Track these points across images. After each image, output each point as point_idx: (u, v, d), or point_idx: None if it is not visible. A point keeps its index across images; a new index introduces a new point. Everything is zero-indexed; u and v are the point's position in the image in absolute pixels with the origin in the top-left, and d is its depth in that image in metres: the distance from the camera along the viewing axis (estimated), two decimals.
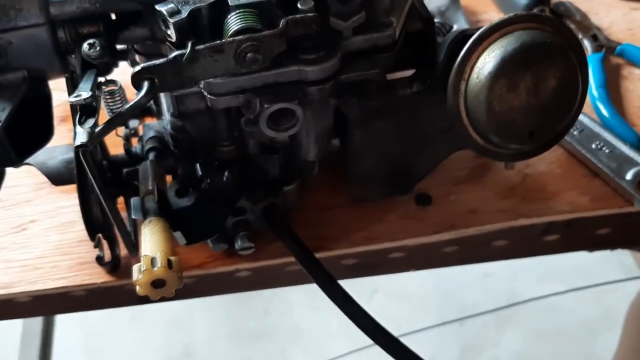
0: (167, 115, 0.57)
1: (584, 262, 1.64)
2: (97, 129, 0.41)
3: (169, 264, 0.43)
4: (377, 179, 0.57)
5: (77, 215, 0.64)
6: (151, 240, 0.45)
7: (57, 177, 0.59)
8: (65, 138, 0.63)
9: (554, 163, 0.62)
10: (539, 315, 1.60)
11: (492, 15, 0.79)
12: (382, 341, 0.51)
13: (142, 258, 0.43)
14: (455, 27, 0.75)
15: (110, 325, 1.57)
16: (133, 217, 0.49)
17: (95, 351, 1.54)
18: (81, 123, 0.41)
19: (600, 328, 1.57)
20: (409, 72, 0.54)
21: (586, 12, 0.76)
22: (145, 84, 0.43)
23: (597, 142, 0.62)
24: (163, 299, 0.45)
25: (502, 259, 0.65)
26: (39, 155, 0.59)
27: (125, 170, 0.59)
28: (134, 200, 0.49)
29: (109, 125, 0.43)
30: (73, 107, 0.46)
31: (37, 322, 1.28)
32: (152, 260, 0.43)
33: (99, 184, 0.47)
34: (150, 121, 0.61)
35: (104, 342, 1.55)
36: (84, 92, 0.42)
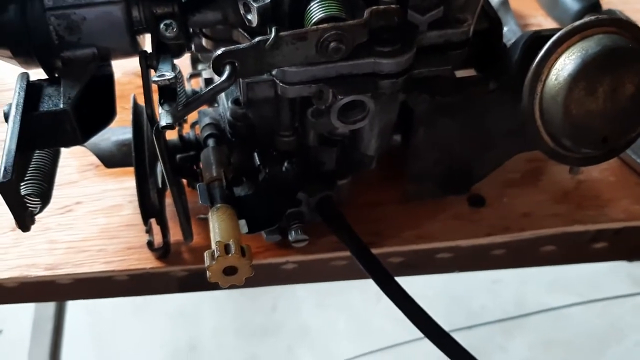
0: (225, 103, 0.56)
1: (592, 271, 1.64)
2: (179, 111, 0.41)
3: (242, 251, 0.42)
4: (435, 177, 0.57)
5: (123, 199, 0.64)
6: (221, 227, 0.44)
7: (109, 159, 0.58)
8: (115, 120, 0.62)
9: (607, 170, 0.62)
10: (547, 325, 1.60)
11: (540, 19, 0.79)
12: (439, 340, 0.51)
13: (214, 244, 0.43)
14: (505, 29, 0.75)
15: (116, 314, 1.56)
16: (200, 202, 0.48)
17: (101, 339, 1.53)
18: (162, 104, 0.40)
19: (607, 340, 1.57)
20: (468, 72, 0.54)
21: (636, 22, 0.76)
22: (227, 68, 0.42)
23: None
24: (233, 286, 0.44)
25: (548, 265, 0.64)
26: None
27: (178, 156, 0.58)
28: (200, 186, 0.49)
29: (189, 108, 0.42)
30: (147, 89, 0.46)
31: (49, 307, 1.27)
32: (226, 247, 0.42)
33: (168, 168, 0.46)
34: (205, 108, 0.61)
35: (110, 331, 1.54)
36: (167, 72, 0.41)
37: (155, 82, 0.40)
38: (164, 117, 0.39)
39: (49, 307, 1.26)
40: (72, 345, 1.42)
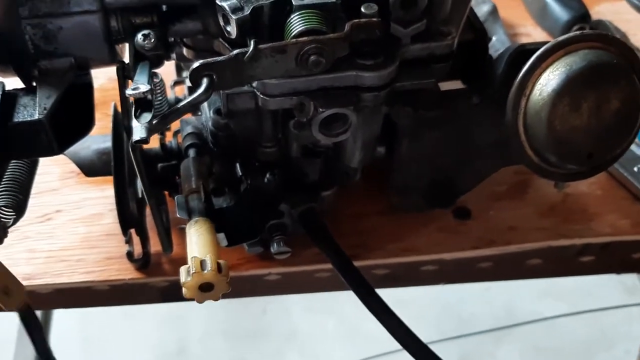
0: (207, 112, 0.55)
1: (584, 280, 1.64)
2: (153, 124, 0.40)
3: (219, 267, 0.41)
4: (419, 190, 0.56)
5: (104, 208, 0.63)
6: (199, 242, 0.43)
7: (89, 168, 0.58)
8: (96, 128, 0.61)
9: (594, 184, 0.62)
10: (538, 332, 1.60)
11: (530, 29, 0.79)
12: (420, 356, 0.50)
13: (190, 260, 0.42)
14: (494, 39, 0.74)
15: (105, 317, 1.55)
16: (178, 215, 0.47)
17: (90, 342, 1.51)
18: (137, 117, 0.40)
19: (598, 349, 1.57)
20: (454, 84, 0.53)
21: (625, 32, 0.75)
22: (205, 81, 0.42)
23: (639, 165, 0.61)
24: None
25: (534, 278, 0.64)
26: None
27: (160, 165, 0.57)
28: (178, 198, 0.48)
29: (165, 121, 0.41)
30: (123, 100, 0.45)
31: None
32: (202, 263, 0.41)
33: (145, 181, 0.45)
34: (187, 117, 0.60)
35: (99, 334, 1.53)
36: (142, 84, 0.40)
37: (129, 95, 0.39)
38: (137, 131, 0.39)
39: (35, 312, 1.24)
40: (60, 348, 1.41)
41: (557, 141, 0.46)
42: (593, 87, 0.45)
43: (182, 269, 0.42)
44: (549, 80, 0.45)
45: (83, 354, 1.50)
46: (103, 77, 0.73)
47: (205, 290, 0.42)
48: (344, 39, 0.43)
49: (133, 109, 0.40)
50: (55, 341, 1.32)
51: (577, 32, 0.46)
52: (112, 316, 1.54)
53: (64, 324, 1.46)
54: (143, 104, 0.41)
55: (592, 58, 0.45)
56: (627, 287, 1.65)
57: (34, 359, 1.19)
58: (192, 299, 0.44)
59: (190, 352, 1.54)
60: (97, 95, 0.63)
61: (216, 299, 0.43)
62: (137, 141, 0.38)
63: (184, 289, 0.42)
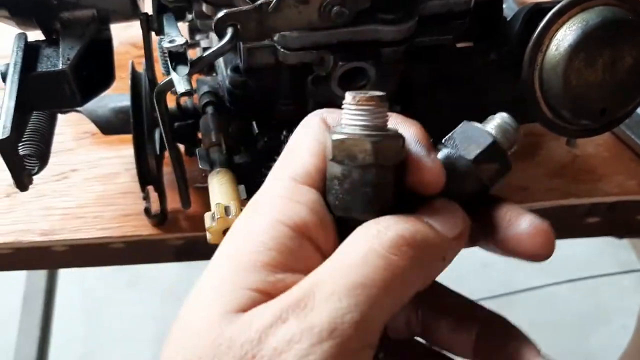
0: (224, 71, 0.56)
1: (581, 257, 1.66)
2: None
3: None
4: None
5: (120, 167, 0.63)
6: (221, 190, 0.44)
7: (106, 126, 0.58)
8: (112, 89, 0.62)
9: (601, 146, 0.63)
10: (534, 306, 1.62)
11: None
12: None
13: (214, 206, 0.43)
14: (504, 6, 0.75)
15: (108, 290, 1.56)
16: (200, 167, 0.48)
17: (93, 313, 1.53)
18: (175, 69, 0.40)
19: (594, 323, 1.60)
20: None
21: None
22: (229, 31, 0.42)
23: None
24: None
25: None
26: (88, 103, 0.58)
27: (176, 124, 0.58)
28: (199, 151, 0.49)
29: (192, 70, 0.42)
30: (148, 51, 0.45)
31: (40, 282, 1.26)
32: (226, 209, 0.42)
33: (168, 130, 0.46)
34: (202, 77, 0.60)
35: (101, 306, 1.54)
36: (177, 37, 0.41)
37: (167, 48, 0.40)
38: (179, 83, 0.39)
39: (40, 281, 1.26)
40: (63, 320, 1.42)
41: (572, 96, 0.47)
42: (608, 43, 0.46)
43: (207, 215, 0.43)
44: (566, 36, 0.46)
45: (85, 326, 1.51)
46: (115, 41, 0.73)
47: None
48: None
49: (168, 61, 0.41)
50: (58, 312, 1.33)
51: None
52: (115, 289, 1.55)
53: (68, 289, 1.47)
54: (179, 56, 0.41)
55: (607, 14, 0.46)
56: (622, 262, 1.68)
57: (38, 327, 1.20)
58: (211, 253, 0.45)
59: None
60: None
61: None
62: (182, 93, 0.39)
63: (208, 234, 0.43)
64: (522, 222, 0.31)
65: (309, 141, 0.31)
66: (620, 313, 1.59)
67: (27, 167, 0.45)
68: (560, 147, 0.61)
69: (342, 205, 0.29)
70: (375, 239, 0.27)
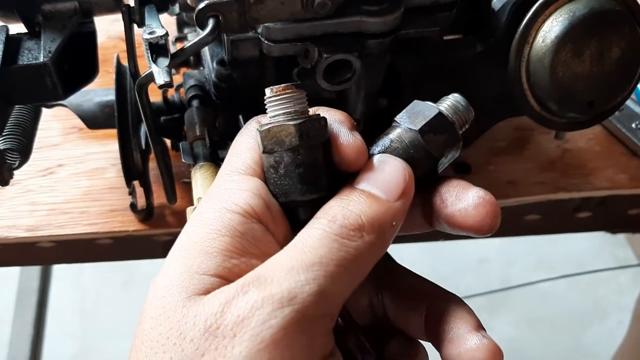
0: (210, 65, 0.55)
1: (578, 254, 1.66)
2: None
3: None
4: None
5: (106, 162, 0.63)
6: (204, 184, 0.44)
7: (92, 121, 0.58)
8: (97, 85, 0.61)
9: (592, 140, 0.62)
10: (530, 302, 1.62)
11: None
12: None
13: (196, 200, 0.42)
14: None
15: (102, 290, 1.56)
16: (183, 160, 0.47)
17: (87, 311, 1.52)
18: (155, 61, 0.39)
19: (591, 319, 1.59)
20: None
21: None
22: (211, 22, 0.42)
23: (637, 122, 0.62)
24: None
25: (532, 234, 0.65)
26: (74, 97, 0.57)
27: (162, 118, 0.57)
28: (183, 144, 0.48)
29: (173, 61, 0.41)
30: (130, 44, 0.45)
31: (33, 280, 1.26)
32: None
33: (151, 124, 0.45)
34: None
35: (96, 306, 1.54)
36: (157, 28, 0.40)
37: (147, 39, 0.39)
38: (159, 75, 0.38)
39: (34, 279, 1.25)
40: (57, 318, 1.42)
41: (559, 88, 0.47)
42: (595, 34, 0.45)
43: (189, 210, 0.42)
44: (552, 27, 0.46)
45: (80, 324, 1.51)
46: (103, 36, 0.73)
47: None
48: None
49: (149, 53, 0.40)
50: (52, 312, 1.33)
51: None
52: (109, 288, 1.55)
53: (62, 289, 1.47)
54: (159, 48, 0.41)
55: (594, 5, 0.45)
56: (620, 260, 1.68)
57: (32, 326, 1.20)
58: None
59: None
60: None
61: None
62: (161, 85, 0.38)
63: None
64: (468, 195, 0.33)
65: (246, 139, 0.34)
66: (616, 309, 1.59)
67: (8, 161, 0.44)
68: (550, 141, 0.61)
69: (282, 191, 0.31)
70: (327, 227, 0.29)
